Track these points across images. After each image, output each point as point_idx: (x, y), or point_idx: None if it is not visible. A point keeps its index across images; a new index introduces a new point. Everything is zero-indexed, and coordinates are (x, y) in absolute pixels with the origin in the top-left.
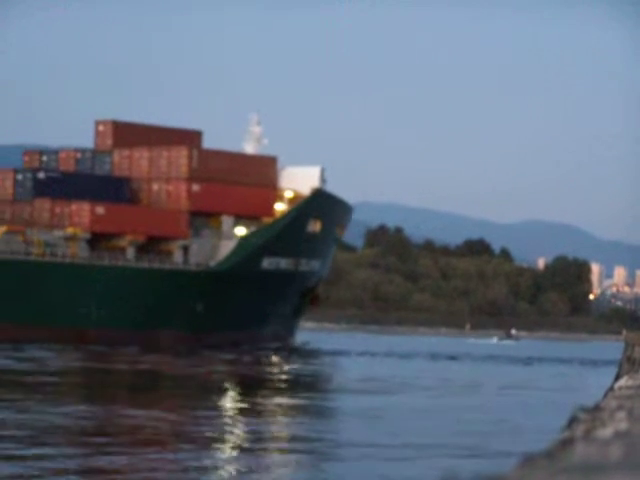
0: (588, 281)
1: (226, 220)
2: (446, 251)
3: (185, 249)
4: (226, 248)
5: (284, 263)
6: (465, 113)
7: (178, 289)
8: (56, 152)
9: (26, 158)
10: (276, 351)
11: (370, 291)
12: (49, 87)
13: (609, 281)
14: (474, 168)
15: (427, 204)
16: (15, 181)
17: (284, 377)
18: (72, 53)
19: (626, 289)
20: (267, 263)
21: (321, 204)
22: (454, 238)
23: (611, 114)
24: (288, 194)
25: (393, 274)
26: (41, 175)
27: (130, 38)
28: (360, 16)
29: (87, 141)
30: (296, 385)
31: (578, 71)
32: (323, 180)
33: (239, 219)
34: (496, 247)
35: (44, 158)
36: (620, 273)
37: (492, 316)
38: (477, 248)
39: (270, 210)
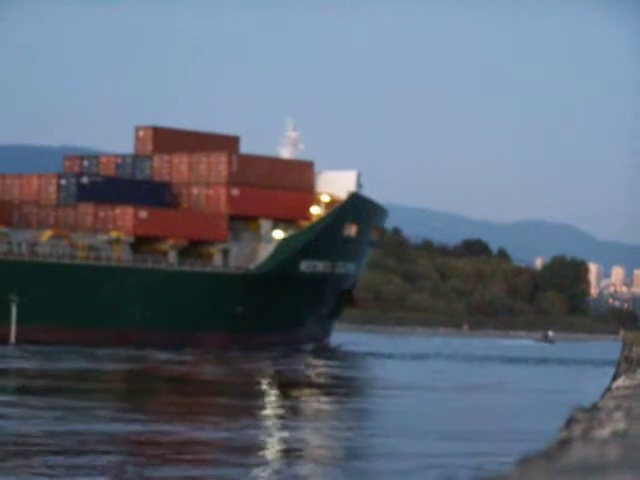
0: (586, 281)
1: (264, 224)
2: (444, 251)
3: (225, 252)
4: (265, 251)
5: (321, 266)
6: (462, 113)
7: (219, 291)
8: (97, 157)
9: (67, 163)
10: (315, 352)
11: (371, 292)
12: (89, 93)
13: (607, 281)
14: (472, 168)
15: (425, 204)
16: (59, 186)
17: (347, 380)
18: (112, 59)
19: (624, 289)
20: (305, 266)
21: (357, 208)
22: (452, 238)
23: (610, 114)
24: (324, 198)
25: (392, 274)
26: (84, 180)
27: (168, 44)
28: (390, 21)
29: (124, 146)
30: (350, 388)
31: (578, 71)
32: (359, 184)
33: (277, 222)
34: (494, 247)
35: (85, 163)
36: (618, 273)
37: (490, 316)
38: (475, 248)
39: (307, 214)
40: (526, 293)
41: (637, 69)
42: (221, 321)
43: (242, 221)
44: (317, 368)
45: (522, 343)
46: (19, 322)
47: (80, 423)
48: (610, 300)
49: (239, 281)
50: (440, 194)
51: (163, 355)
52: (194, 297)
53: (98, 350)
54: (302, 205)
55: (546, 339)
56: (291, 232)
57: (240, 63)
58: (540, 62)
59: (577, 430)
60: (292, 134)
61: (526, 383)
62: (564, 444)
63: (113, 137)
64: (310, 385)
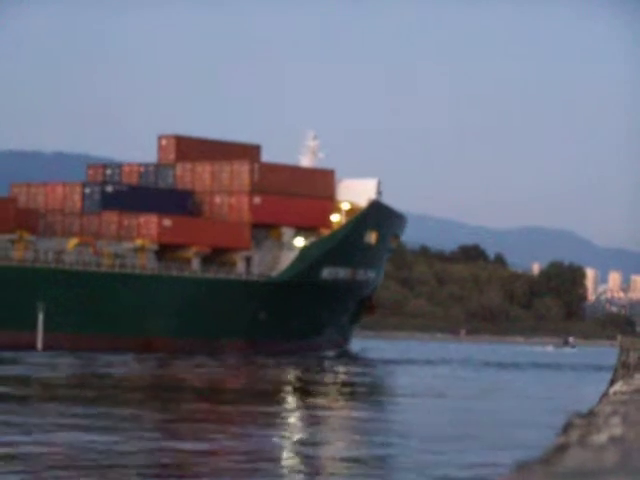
0: (583, 286)
1: (286, 231)
2: (441, 257)
3: (248, 260)
4: (287, 258)
5: (342, 273)
6: (459, 118)
7: (242, 298)
8: (120, 166)
9: (90, 172)
10: (337, 359)
11: None
12: (112, 101)
13: (604, 286)
14: (469, 174)
15: (422, 210)
16: (83, 194)
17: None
18: (135, 68)
19: (621, 294)
20: (326, 273)
21: (377, 216)
22: (449, 244)
23: (609, 120)
24: (345, 206)
25: (389, 280)
26: (109, 188)
27: (189, 53)
28: (405, 30)
29: (142, 155)
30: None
31: (577, 76)
32: (379, 192)
33: (298, 230)
34: (491, 253)
35: (108, 172)
36: (615, 278)
37: (487, 321)
38: (472, 254)
39: (328, 221)
40: (523, 299)
41: (637, 71)
42: (243, 328)
43: (264, 229)
44: (341, 374)
45: (543, 349)
46: (46, 329)
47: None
48: (607, 306)
49: (262, 288)
50: (437, 200)
51: (189, 362)
52: (217, 304)
53: (121, 356)
54: (323, 213)
55: (567, 344)
56: (312, 240)
57: (259, 71)
58: (539, 65)
59: (574, 435)
60: (312, 143)
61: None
62: (561, 449)
63: (128, 145)
64: (339, 392)
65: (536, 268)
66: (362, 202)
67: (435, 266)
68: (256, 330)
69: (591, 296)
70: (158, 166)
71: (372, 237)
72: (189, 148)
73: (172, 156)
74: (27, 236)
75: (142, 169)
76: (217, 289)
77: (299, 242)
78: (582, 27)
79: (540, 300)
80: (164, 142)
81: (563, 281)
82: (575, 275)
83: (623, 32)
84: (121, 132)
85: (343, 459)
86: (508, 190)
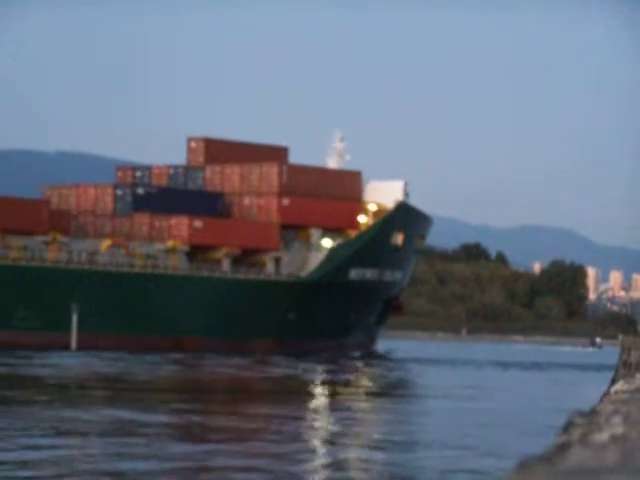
0: (584, 285)
1: (314, 232)
2: (443, 256)
3: (277, 260)
4: (315, 259)
5: (369, 274)
6: (459, 117)
7: (271, 299)
8: (149, 168)
9: (119, 174)
10: (364, 359)
11: None
12: (139, 105)
13: (605, 285)
14: (470, 173)
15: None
16: (115, 196)
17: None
18: (164, 73)
19: (622, 293)
20: (354, 274)
21: (404, 217)
22: (451, 243)
23: (610, 119)
24: (372, 207)
25: None
26: (140, 190)
27: (216, 55)
28: (429, 33)
29: (167, 158)
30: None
31: (578, 75)
32: (406, 194)
33: (326, 231)
34: (492, 252)
35: (137, 174)
36: (616, 277)
37: (488, 321)
38: (473, 253)
39: (355, 223)
40: (524, 298)
41: (637, 71)
42: (273, 328)
43: (292, 230)
44: (371, 374)
45: (571, 350)
46: (79, 329)
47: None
48: (608, 305)
49: (290, 289)
50: (439, 199)
51: (223, 361)
52: (247, 304)
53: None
54: (350, 214)
55: (594, 345)
56: (340, 241)
57: (286, 75)
58: (539, 65)
59: (576, 434)
60: (339, 145)
61: None
62: (563, 448)
63: (161, 149)
64: (372, 393)
65: (537, 267)
66: (389, 203)
67: (436, 265)
68: (285, 330)
69: (592, 295)
70: (187, 168)
71: (399, 238)
72: (218, 150)
73: (201, 158)
74: (60, 238)
75: (171, 171)
76: (247, 289)
77: (327, 243)
78: (581, 29)
79: (541, 299)
80: (193, 144)
81: (564, 280)
82: (576, 274)
83: (621, 34)
84: (149, 135)
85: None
86: (510, 189)
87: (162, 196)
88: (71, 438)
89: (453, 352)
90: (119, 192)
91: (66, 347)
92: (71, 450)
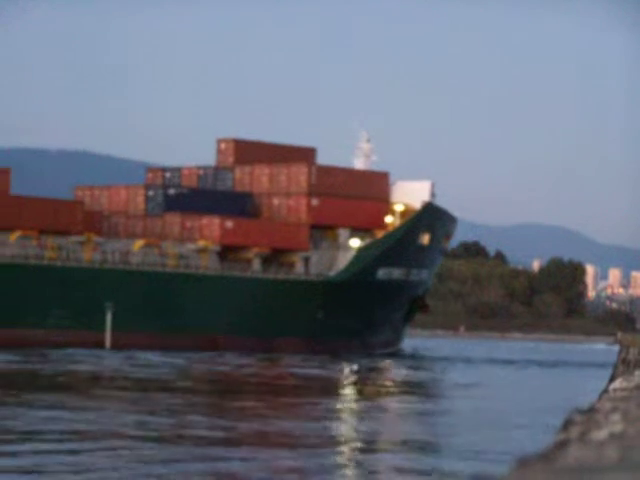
0: (583, 283)
1: (342, 232)
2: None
3: (306, 260)
4: (343, 259)
5: (397, 273)
6: (458, 116)
7: (301, 298)
8: (179, 169)
9: (149, 175)
10: (392, 357)
11: None
12: (170, 107)
13: (604, 283)
14: (469, 171)
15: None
16: (146, 197)
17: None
18: (193, 76)
19: (621, 291)
20: (382, 273)
21: (431, 217)
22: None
23: (609, 117)
24: (399, 207)
25: None
26: (171, 191)
27: (243, 60)
28: (457, 33)
29: (193, 158)
30: None
31: (578, 73)
32: (433, 194)
33: (354, 231)
34: (491, 249)
35: (167, 175)
36: (615, 275)
37: (487, 318)
38: (472, 251)
39: (382, 223)
40: (523, 295)
41: (636, 70)
42: (302, 326)
43: (321, 230)
44: (402, 372)
45: (596, 347)
46: (113, 328)
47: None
48: (607, 302)
49: (320, 288)
50: (438, 196)
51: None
52: (277, 303)
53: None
54: (378, 214)
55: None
56: (367, 240)
57: (312, 76)
58: (538, 64)
59: (574, 432)
60: (365, 145)
61: None
62: (561, 446)
63: (188, 150)
64: (401, 390)
65: (536, 265)
66: (416, 204)
67: None
68: (314, 328)
69: (591, 293)
70: (217, 169)
71: (425, 238)
72: (247, 151)
73: (231, 159)
74: (94, 238)
75: (201, 172)
76: (277, 289)
77: (354, 243)
78: (580, 31)
79: (540, 297)
80: (223, 146)
81: (563, 278)
82: (575, 272)
83: (622, 35)
84: (179, 137)
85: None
86: (509, 187)
87: (193, 196)
88: None
89: (480, 350)
90: (150, 193)
91: (100, 345)
92: None
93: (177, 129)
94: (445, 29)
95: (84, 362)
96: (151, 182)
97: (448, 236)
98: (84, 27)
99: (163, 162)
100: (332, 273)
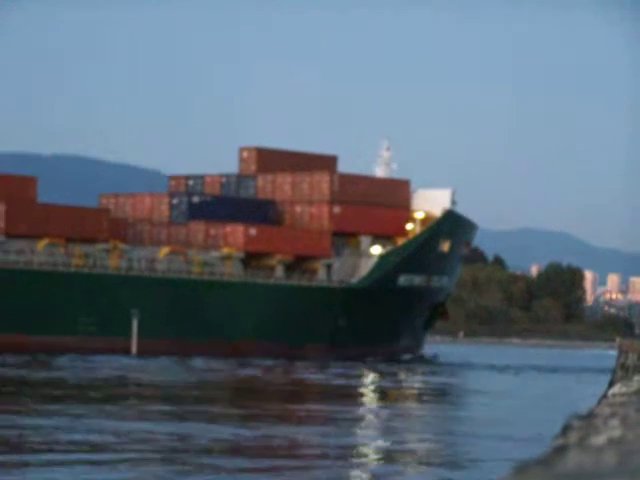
0: (581, 288)
1: (364, 240)
2: None
3: (328, 267)
4: (365, 266)
5: (418, 280)
6: (457, 117)
7: (323, 304)
8: (201, 177)
9: (172, 182)
10: (414, 363)
11: None
12: (192, 117)
13: (602, 288)
14: (467, 175)
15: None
16: (170, 204)
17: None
18: (215, 84)
19: (619, 296)
20: (403, 280)
21: (451, 225)
22: None
23: (607, 122)
24: (419, 215)
25: None
26: (195, 199)
27: (265, 69)
28: (474, 40)
29: (214, 167)
30: None
31: (575, 78)
32: (454, 202)
33: (375, 239)
34: (490, 254)
35: (190, 182)
36: (613, 280)
37: (485, 323)
38: (470, 256)
39: (403, 230)
40: (522, 300)
41: (636, 75)
42: (324, 333)
43: (343, 237)
44: (424, 378)
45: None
46: (139, 335)
47: None
48: (606, 307)
49: (342, 295)
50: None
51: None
52: (300, 310)
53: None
54: (399, 222)
55: None
56: (389, 248)
57: (332, 84)
58: (536, 67)
59: (573, 437)
60: (386, 154)
61: None
62: (560, 451)
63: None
64: (424, 395)
65: (534, 270)
66: (436, 211)
67: None
68: (336, 335)
69: (590, 298)
70: (239, 177)
71: (446, 245)
72: (269, 159)
73: (253, 167)
74: (120, 245)
75: (224, 180)
76: (300, 295)
77: (376, 250)
78: (581, 33)
79: (539, 302)
80: (245, 154)
81: (562, 283)
82: (574, 277)
83: (623, 37)
84: (200, 146)
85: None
86: (507, 192)
87: (216, 204)
88: None
89: (489, 356)
90: (175, 201)
91: (127, 352)
92: None
93: (201, 137)
94: (463, 38)
95: (145, 371)
96: (174, 190)
97: (468, 243)
98: (96, 28)
99: (166, 169)
100: (354, 280)
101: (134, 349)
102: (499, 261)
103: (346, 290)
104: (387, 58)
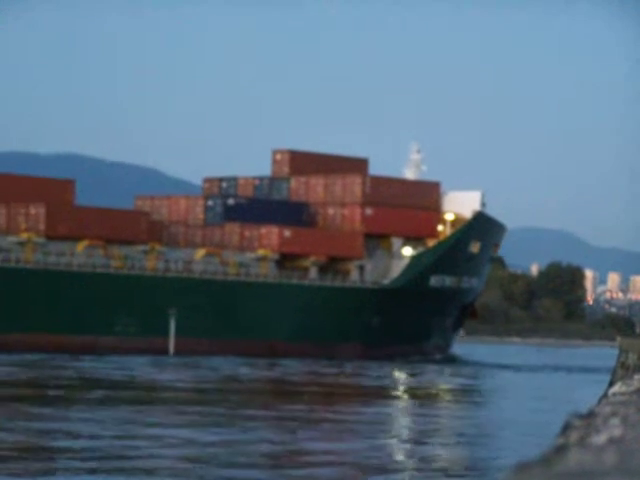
0: (582, 287)
1: (395, 241)
2: None
3: (361, 268)
4: (397, 267)
5: (448, 281)
6: (457, 117)
7: (356, 305)
8: (235, 179)
9: (206, 185)
10: (445, 363)
11: None
12: (226, 120)
13: (603, 287)
14: (467, 175)
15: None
16: (205, 207)
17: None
18: (247, 88)
19: (620, 295)
20: (434, 281)
21: (481, 226)
22: None
23: (607, 120)
24: (449, 217)
25: None
26: (230, 201)
27: (297, 73)
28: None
29: (245, 169)
30: None
31: (576, 76)
32: (483, 204)
33: (406, 240)
34: None
35: (224, 185)
36: (614, 279)
37: (486, 322)
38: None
39: (434, 232)
40: (522, 299)
41: (636, 73)
42: (357, 333)
43: (375, 239)
44: (460, 379)
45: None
46: (177, 335)
47: None
48: (606, 306)
49: (374, 295)
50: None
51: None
52: (334, 310)
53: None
54: (429, 224)
55: None
56: (420, 249)
57: (362, 88)
58: (536, 65)
59: (573, 436)
60: (416, 156)
61: None
62: (560, 450)
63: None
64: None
65: (535, 269)
66: (466, 213)
67: None
68: (368, 335)
69: (590, 297)
70: (273, 179)
71: (476, 247)
72: (302, 162)
73: (286, 170)
74: (158, 247)
75: (257, 182)
76: (333, 296)
77: (407, 251)
78: (581, 31)
79: (539, 301)
80: (278, 156)
81: (562, 282)
82: (574, 276)
83: (623, 33)
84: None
85: None
86: (506, 191)
87: (251, 206)
88: None
89: (510, 355)
90: (210, 203)
91: (164, 352)
92: None
93: (234, 140)
94: (492, 42)
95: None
96: (208, 192)
97: (497, 244)
98: (119, 30)
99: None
100: (386, 281)
101: (172, 349)
102: (499, 260)
103: (379, 291)
104: (418, 61)
